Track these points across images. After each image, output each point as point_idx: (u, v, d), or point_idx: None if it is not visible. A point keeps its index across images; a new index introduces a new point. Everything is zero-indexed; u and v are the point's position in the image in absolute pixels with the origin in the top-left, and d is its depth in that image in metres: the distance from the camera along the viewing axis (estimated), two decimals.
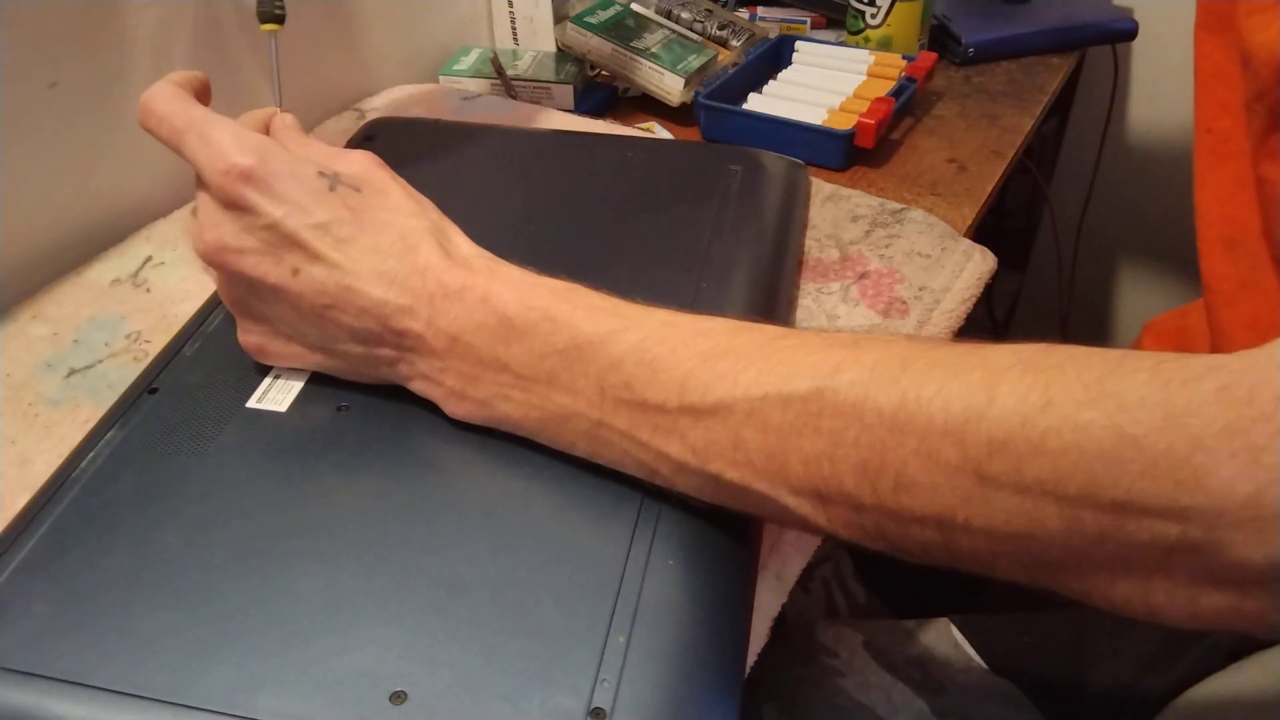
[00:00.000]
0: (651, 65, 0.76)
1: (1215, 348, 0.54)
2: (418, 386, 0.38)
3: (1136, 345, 0.65)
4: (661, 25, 0.82)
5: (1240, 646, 0.46)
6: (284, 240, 0.36)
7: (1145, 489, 0.25)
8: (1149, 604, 0.28)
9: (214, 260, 0.37)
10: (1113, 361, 0.27)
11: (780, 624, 0.39)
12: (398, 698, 0.29)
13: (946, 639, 0.54)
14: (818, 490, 0.30)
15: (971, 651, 0.53)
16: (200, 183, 0.37)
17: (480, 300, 0.36)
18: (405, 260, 0.36)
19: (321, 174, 0.37)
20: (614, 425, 0.34)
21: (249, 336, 0.40)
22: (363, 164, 0.39)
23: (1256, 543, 0.24)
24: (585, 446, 0.36)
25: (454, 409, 0.38)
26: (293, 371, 0.41)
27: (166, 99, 0.38)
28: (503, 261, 0.38)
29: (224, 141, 0.36)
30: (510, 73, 0.79)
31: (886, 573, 0.69)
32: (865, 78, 0.78)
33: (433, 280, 0.36)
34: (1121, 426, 0.25)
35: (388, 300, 0.36)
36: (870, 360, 0.30)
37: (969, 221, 0.65)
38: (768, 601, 0.37)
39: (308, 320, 0.38)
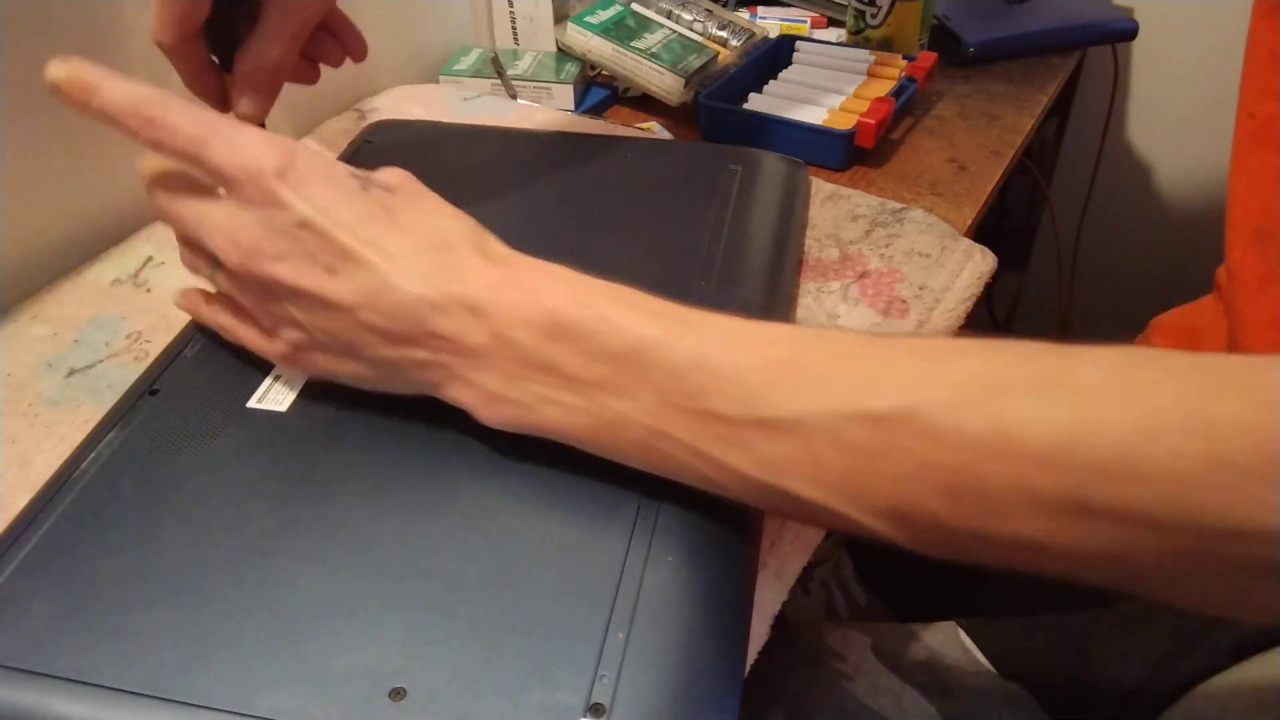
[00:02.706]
0: (651, 65, 0.76)
1: (1232, 343, 0.54)
2: (451, 393, 0.36)
3: (1144, 343, 0.65)
4: (661, 25, 0.82)
5: (1243, 646, 0.46)
6: (317, 239, 0.35)
7: (1246, 515, 0.25)
8: (1246, 605, 0.28)
9: (246, 268, 0.36)
10: (1211, 380, 0.26)
11: (785, 627, 0.39)
12: (397, 694, 0.29)
13: (954, 642, 0.54)
14: (900, 512, 0.29)
15: (979, 655, 0.53)
16: (227, 188, 0.36)
17: (525, 294, 0.34)
18: (442, 258, 0.35)
19: (354, 175, 0.36)
20: (674, 436, 0.32)
21: (276, 345, 0.39)
22: (395, 171, 0.38)
23: None
24: (638, 456, 0.34)
25: (490, 414, 0.35)
26: (294, 371, 0.41)
27: (180, 109, 0.36)
28: (543, 261, 0.36)
29: (254, 143, 0.35)
30: (510, 73, 0.79)
31: (886, 574, 0.69)
32: (865, 78, 0.78)
33: (472, 278, 0.34)
34: (1222, 454, 0.25)
35: (424, 297, 0.34)
36: (957, 379, 0.29)
37: (969, 221, 0.65)
38: (768, 599, 0.37)
39: (340, 324, 0.36)
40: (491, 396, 0.35)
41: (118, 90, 0.36)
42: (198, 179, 0.38)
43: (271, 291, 0.36)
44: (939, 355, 0.30)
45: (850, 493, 0.30)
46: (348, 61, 0.51)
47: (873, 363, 0.30)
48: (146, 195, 0.39)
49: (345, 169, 0.36)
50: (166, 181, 0.38)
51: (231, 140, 0.35)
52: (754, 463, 0.31)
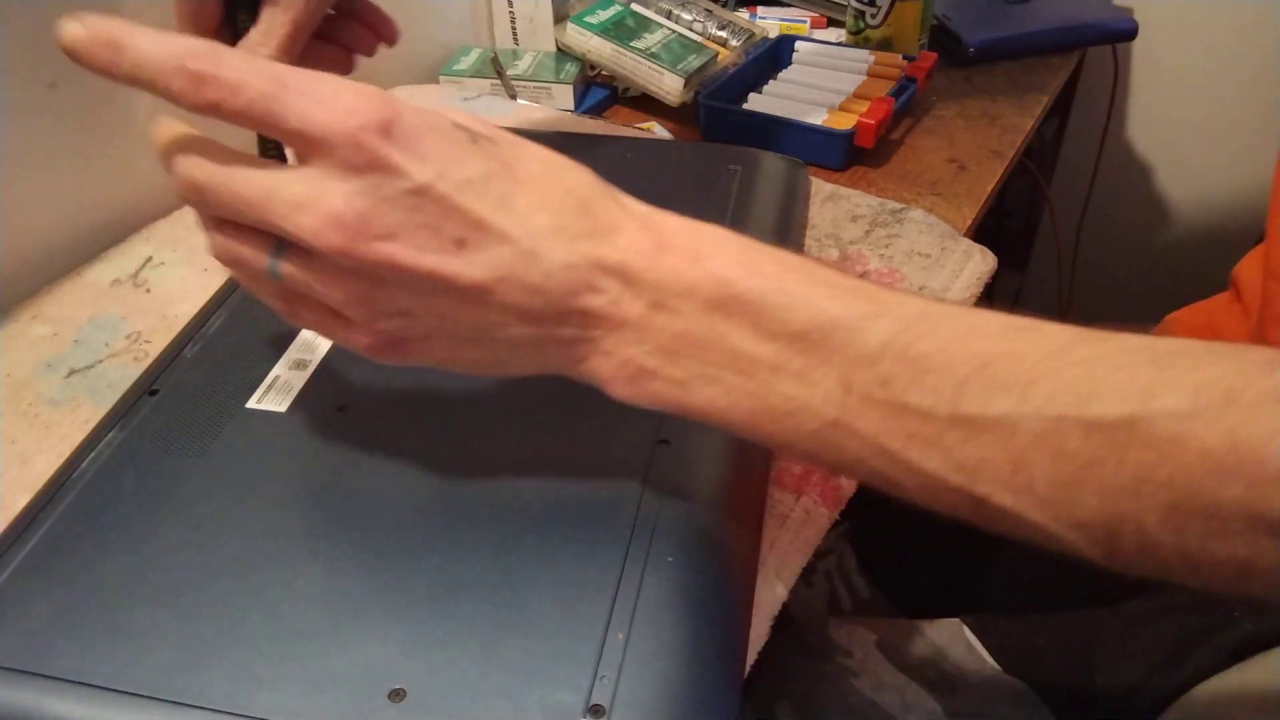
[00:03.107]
0: (651, 65, 0.76)
1: (1262, 341, 0.54)
2: (590, 369, 0.32)
3: None
4: (661, 25, 0.82)
5: (1245, 646, 0.46)
6: (439, 208, 0.28)
7: None
8: None
9: (348, 251, 0.28)
10: None
11: (790, 622, 0.39)
12: (397, 695, 0.29)
13: (959, 639, 0.54)
14: (1110, 528, 0.27)
15: (984, 651, 0.53)
16: (311, 153, 0.28)
17: (688, 260, 0.30)
18: (584, 219, 0.30)
19: (457, 125, 0.30)
20: (856, 428, 0.29)
21: (363, 337, 0.31)
22: (479, 117, 0.32)
23: None
24: (806, 447, 0.30)
25: (631, 391, 0.31)
26: (293, 372, 0.41)
27: (238, 61, 0.28)
28: (691, 219, 0.32)
29: (345, 94, 0.28)
30: (510, 73, 0.79)
31: (889, 567, 0.69)
32: (865, 78, 0.78)
33: (623, 241, 0.30)
34: None
35: (573, 267, 0.29)
36: (1190, 385, 0.26)
37: (969, 221, 0.65)
38: (768, 599, 0.37)
39: (468, 308, 0.30)
40: (639, 372, 0.31)
41: (154, 44, 0.28)
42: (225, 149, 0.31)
43: (375, 278, 0.29)
44: (1169, 360, 0.27)
45: (1056, 503, 0.27)
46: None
47: (1095, 364, 0.27)
48: (166, 168, 0.31)
49: (447, 116, 0.30)
50: (197, 148, 0.31)
51: (314, 93, 0.28)
52: (947, 464, 0.28)
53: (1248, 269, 0.59)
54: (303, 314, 0.32)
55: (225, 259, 0.32)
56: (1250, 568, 0.25)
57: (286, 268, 0.30)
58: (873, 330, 0.29)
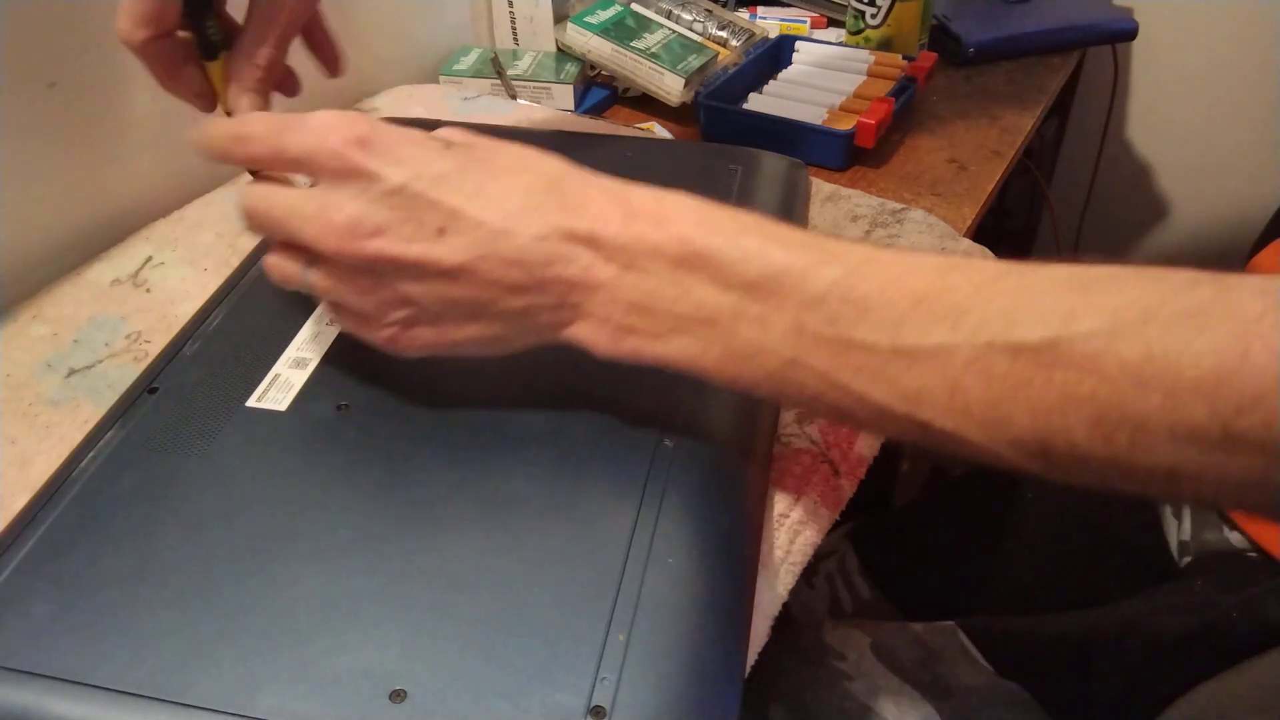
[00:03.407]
0: (651, 65, 0.76)
1: None
2: (575, 332, 0.35)
3: None
4: (661, 25, 0.82)
5: (1243, 647, 0.46)
6: (417, 202, 0.33)
7: None
8: None
9: (345, 250, 0.33)
10: None
11: (787, 624, 0.39)
12: (397, 696, 0.29)
13: (954, 642, 0.54)
14: (1042, 443, 0.29)
15: (978, 655, 0.53)
16: (313, 174, 0.34)
17: (655, 224, 0.33)
18: (553, 196, 0.34)
19: (432, 137, 0.35)
20: (810, 365, 0.31)
21: (382, 331, 0.36)
22: (456, 129, 0.37)
23: None
24: (769, 387, 0.33)
25: (615, 347, 0.34)
26: (293, 370, 0.41)
27: (254, 117, 0.36)
28: (659, 189, 0.35)
29: (329, 119, 0.34)
30: (510, 73, 0.79)
31: (891, 569, 0.69)
32: (865, 78, 0.78)
33: (591, 211, 0.33)
34: None
35: (544, 238, 0.33)
36: (1110, 307, 0.28)
37: (969, 221, 0.65)
38: (768, 600, 0.37)
39: (459, 288, 0.34)
40: (617, 329, 0.34)
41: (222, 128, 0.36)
42: (284, 185, 0.37)
43: (376, 272, 0.34)
44: (1091, 285, 0.29)
45: (991, 423, 0.29)
46: (348, 61, 0.51)
47: (1019, 292, 0.29)
48: (247, 224, 0.37)
49: (421, 132, 0.35)
50: (257, 196, 0.36)
51: (304, 124, 0.34)
52: (893, 394, 0.30)
53: (1269, 260, 0.59)
54: (340, 318, 0.37)
55: (281, 278, 0.37)
56: (1178, 473, 0.27)
57: (314, 277, 0.36)
58: (820, 275, 0.31)
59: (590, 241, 0.33)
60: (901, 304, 0.30)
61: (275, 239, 0.37)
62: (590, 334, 0.34)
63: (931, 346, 0.30)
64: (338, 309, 0.37)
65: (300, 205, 0.34)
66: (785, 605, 0.38)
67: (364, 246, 0.33)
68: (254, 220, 0.37)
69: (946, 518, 0.72)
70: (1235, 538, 0.53)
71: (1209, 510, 0.30)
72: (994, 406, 0.29)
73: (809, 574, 0.37)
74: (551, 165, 0.35)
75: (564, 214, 0.33)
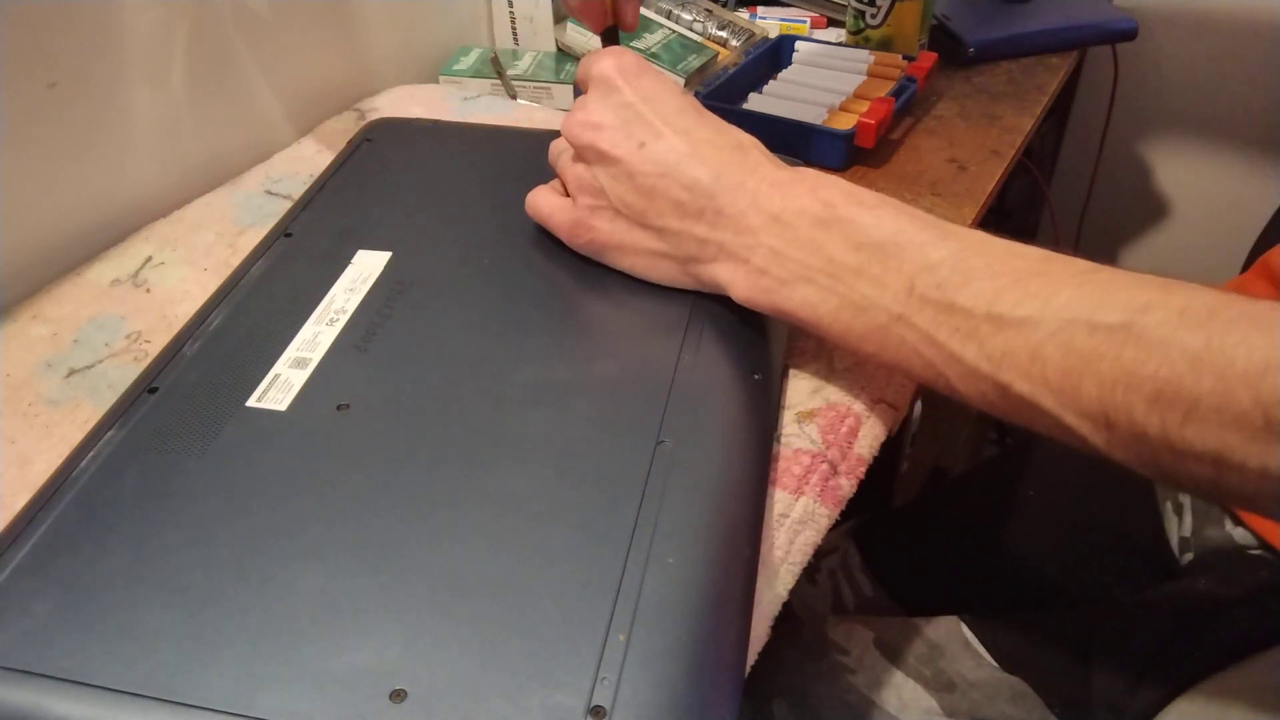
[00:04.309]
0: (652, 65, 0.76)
1: None
2: (716, 269, 0.41)
3: None
4: (661, 25, 0.82)
5: (1244, 645, 0.46)
6: (636, 117, 0.43)
7: None
8: None
9: (576, 135, 0.44)
10: None
11: (790, 619, 0.39)
12: (397, 696, 0.29)
13: (957, 637, 0.54)
14: (1106, 415, 0.32)
15: (982, 649, 0.53)
16: (591, 89, 0.46)
17: (808, 190, 0.39)
18: (736, 155, 0.42)
19: (681, 87, 0.43)
20: (913, 322, 0.36)
21: (576, 211, 0.45)
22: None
23: None
24: (874, 340, 0.38)
25: (748, 288, 0.41)
26: (293, 370, 0.41)
27: (589, 54, 0.48)
28: (824, 173, 0.42)
29: (605, 53, 0.45)
30: (510, 73, 0.79)
31: (893, 565, 0.69)
32: (865, 78, 0.78)
33: (761, 173, 0.41)
34: None
35: (719, 176, 0.41)
36: (1179, 304, 0.31)
37: (969, 221, 0.65)
38: (768, 600, 0.37)
39: (638, 192, 0.42)
40: (756, 270, 0.40)
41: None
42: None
43: (588, 159, 0.44)
44: (1169, 285, 0.33)
45: (1063, 390, 0.33)
46: (348, 61, 0.53)
47: (1106, 284, 0.33)
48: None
49: (671, 78, 0.43)
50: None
51: (596, 55, 0.46)
52: (980, 354, 0.35)
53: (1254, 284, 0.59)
54: (539, 203, 0.49)
55: (550, 153, 0.49)
56: (1223, 461, 0.30)
57: (563, 160, 0.47)
58: (938, 247, 0.37)
59: (753, 193, 0.40)
60: (1003, 279, 0.35)
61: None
62: (729, 273, 0.41)
63: (1021, 316, 0.34)
64: (564, 178, 0.47)
65: (575, 111, 0.46)
66: (787, 602, 0.38)
67: (582, 134, 0.44)
68: (568, 135, 0.46)
69: (948, 515, 0.72)
70: (1239, 534, 0.53)
71: (1253, 510, 0.32)
72: (1067, 375, 0.33)
73: (811, 571, 0.39)
74: (747, 136, 0.44)
75: (741, 168, 0.41)
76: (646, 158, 0.42)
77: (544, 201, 0.48)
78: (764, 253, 0.40)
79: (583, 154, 0.44)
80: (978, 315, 0.35)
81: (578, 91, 0.80)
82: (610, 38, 0.55)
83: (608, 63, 0.44)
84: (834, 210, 0.39)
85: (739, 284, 0.41)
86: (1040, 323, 0.33)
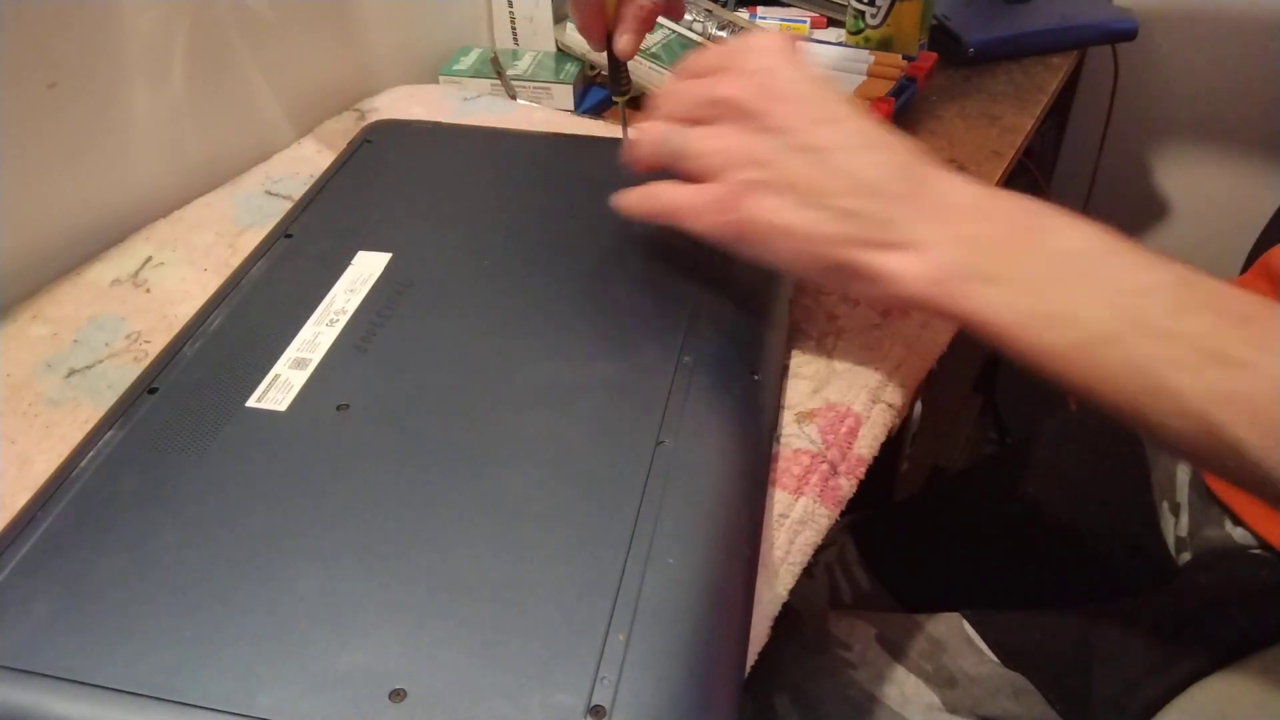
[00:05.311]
0: (651, 65, 0.76)
1: None
2: (889, 260, 0.37)
3: None
4: (661, 25, 0.82)
5: (1245, 643, 0.46)
6: (823, 95, 0.39)
7: None
8: None
9: (760, 102, 0.39)
10: None
11: (790, 614, 0.39)
12: (397, 695, 0.29)
13: (958, 633, 0.54)
14: None
15: (983, 645, 0.54)
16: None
17: (1005, 193, 0.37)
18: (914, 147, 0.39)
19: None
20: (1126, 344, 0.34)
21: (732, 183, 0.40)
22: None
23: None
24: (1067, 359, 0.35)
25: (925, 283, 0.37)
26: (293, 371, 0.41)
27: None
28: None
29: (767, 32, 0.46)
30: (510, 73, 0.79)
31: (890, 560, 0.69)
32: (865, 78, 0.78)
33: (948, 170, 0.39)
34: None
35: (909, 162, 0.38)
36: None
37: None
38: (768, 600, 0.37)
39: (815, 166, 0.38)
40: (936, 263, 0.36)
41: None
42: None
43: (765, 129, 0.39)
44: None
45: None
46: (348, 61, 0.53)
47: None
48: (682, 72, 0.44)
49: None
50: (699, 56, 0.43)
51: (754, 34, 0.43)
52: (1196, 387, 0.32)
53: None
54: (662, 194, 0.43)
55: (652, 138, 0.43)
56: None
57: (683, 137, 0.41)
58: (1152, 271, 0.34)
59: (949, 181, 0.38)
60: (1224, 317, 0.32)
61: (686, 95, 0.42)
62: (904, 264, 0.37)
63: (1247, 358, 0.31)
64: (702, 155, 0.41)
65: (735, 60, 0.41)
66: (786, 597, 0.38)
67: (772, 104, 0.39)
68: (692, 66, 0.43)
69: (946, 512, 0.72)
70: (1239, 534, 0.53)
71: None
72: None
73: (808, 565, 0.38)
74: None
75: (924, 158, 0.39)
76: (831, 134, 0.38)
77: (667, 191, 0.42)
78: (957, 247, 0.36)
79: (761, 122, 0.39)
80: (1200, 349, 0.32)
81: (577, 91, 0.80)
82: (613, 54, 0.54)
83: (771, 36, 0.41)
84: (1038, 216, 0.36)
85: (913, 277, 0.37)
86: (1268, 370, 0.31)
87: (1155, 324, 0.33)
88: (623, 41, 0.51)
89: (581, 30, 0.53)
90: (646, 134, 0.43)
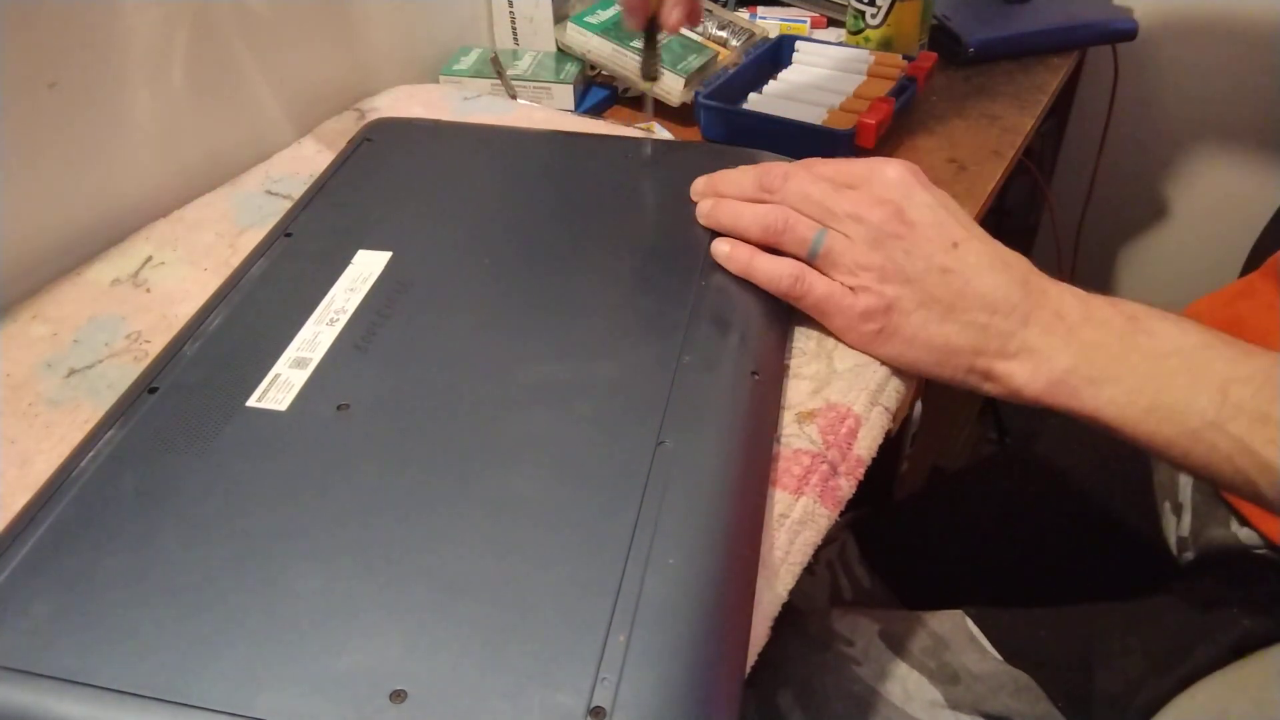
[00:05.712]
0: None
1: None
2: (1010, 367, 0.42)
3: None
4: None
5: (1245, 642, 0.47)
6: (948, 218, 0.44)
7: None
8: None
9: (889, 224, 0.44)
10: None
11: (793, 611, 0.39)
12: (397, 696, 0.29)
13: (961, 630, 0.54)
14: None
15: (986, 642, 0.54)
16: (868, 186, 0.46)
17: (1107, 302, 0.42)
18: (1030, 267, 0.44)
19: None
20: (1227, 430, 0.38)
21: (870, 299, 0.44)
22: None
23: None
24: (1182, 445, 0.39)
25: (1047, 384, 0.41)
26: (293, 370, 0.41)
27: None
28: None
29: (891, 162, 0.46)
30: (510, 73, 0.79)
31: (891, 558, 0.69)
32: (865, 78, 0.78)
33: (1059, 286, 0.43)
34: None
35: (1027, 280, 0.43)
36: None
37: None
38: (768, 600, 0.37)
39: (948, 285, 0.43)
40: (1058, 369, 0.41)
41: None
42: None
43: (892, 249, 0.44)
44: None
45: None
46: (348, 61, 0.52)
47: None
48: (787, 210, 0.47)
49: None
50: (811, 174, 0.48)
51: (879, 159, 0.46)
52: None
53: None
54: (816, 286, 0.46)
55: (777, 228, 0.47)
56: None
57: (830, 241, 0.45)
58: (1246, 361, 0.38)
59: (1059, 298, 0.42)
60: None
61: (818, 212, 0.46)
62: (1027, 371, 0.42)
63: None
64: (818, 278, 0.46)
65: (871, 182, 0.46)
66: (788, 595, 0.38)
67: (910, 229, 0.44)
68: (822, 170, 0.48)
69: (947, 510, 0.72)
70: (1245, 534, 0.53)
71: None
72: None
73: (809, 562, 0.39)
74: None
75: (1041, 278, 0.43)
76: (959, 256, 0.43)
77: (822, 286, 0.46)
78: (1072, 353, 0.41)
79: (888, 242, 0.44)
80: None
81: (577, 91, 0.80)
82: (651, 36, 0.55)
83: (902, 166, 0.45)
84: (1139, 321, 0.40)
85: (1036, 381, 0.41)
86: None
87: (1253, 408, 0.37)
88: (675, 15, 0.52)
89: (625, 6, 0.54)
90: (761, 215, 0.47)
